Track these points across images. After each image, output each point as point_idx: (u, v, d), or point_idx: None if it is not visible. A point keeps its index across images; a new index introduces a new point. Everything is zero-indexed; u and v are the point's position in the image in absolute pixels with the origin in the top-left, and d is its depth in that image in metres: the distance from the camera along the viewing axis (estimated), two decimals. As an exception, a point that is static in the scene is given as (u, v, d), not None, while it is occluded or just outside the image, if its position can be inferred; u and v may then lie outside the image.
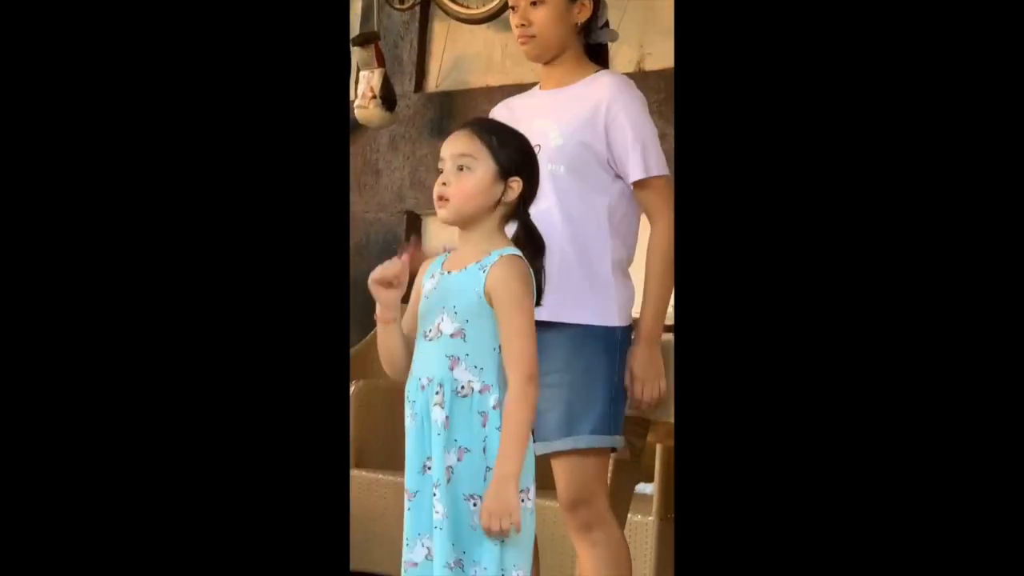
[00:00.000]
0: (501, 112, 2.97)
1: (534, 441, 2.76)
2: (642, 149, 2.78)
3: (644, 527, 3.34)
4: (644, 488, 3.40)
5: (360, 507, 4.05)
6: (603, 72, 2.87)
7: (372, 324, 5.26)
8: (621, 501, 3.15)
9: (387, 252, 5.10)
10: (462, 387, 2.36)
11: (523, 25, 2.87)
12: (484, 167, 2.40)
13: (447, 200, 2.40)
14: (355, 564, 4.15)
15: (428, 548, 2.36)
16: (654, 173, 2.78)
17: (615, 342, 2.77)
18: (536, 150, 2.59)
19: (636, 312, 2.84)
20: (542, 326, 2.49)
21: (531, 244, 2.45)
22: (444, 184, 2.41)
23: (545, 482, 2.87)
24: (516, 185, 2.41)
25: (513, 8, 2.90)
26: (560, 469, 2.78)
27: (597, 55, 2.94)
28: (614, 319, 2.78)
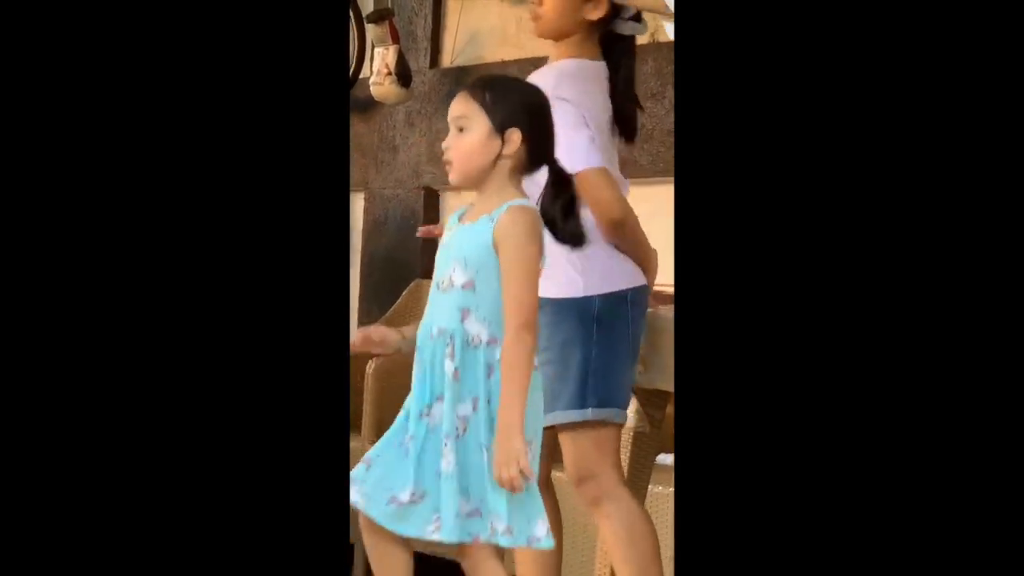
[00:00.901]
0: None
1: None
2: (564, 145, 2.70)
3: (665, 498, 3.35)
4: (665, 459, 3.41)
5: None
6: (563, 60, 2.85)
7: (390, 302, 5.27)
8: (641, 473, 3.17)
9: (405, 228, 5.12)
10: (471, 338, 2.38)
11: (535, 3, 2.90)
12: (478, 125, 2.43)
13: (451, 163, 2.45)
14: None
15: (420, 494, 2.36)
16: (577, 168, 2.68)
17: (591, 312, 2.76)
18: None
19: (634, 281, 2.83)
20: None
21: (556, 187, 2.46)
22: (447, 148, 2.45)
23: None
24: (515, 137, 2.42)
25: None
26: (564, 446, 2.80)
27: (612, 43, 2.90)
28: (590, 288, 2.76)
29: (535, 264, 2.39)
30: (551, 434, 2.76)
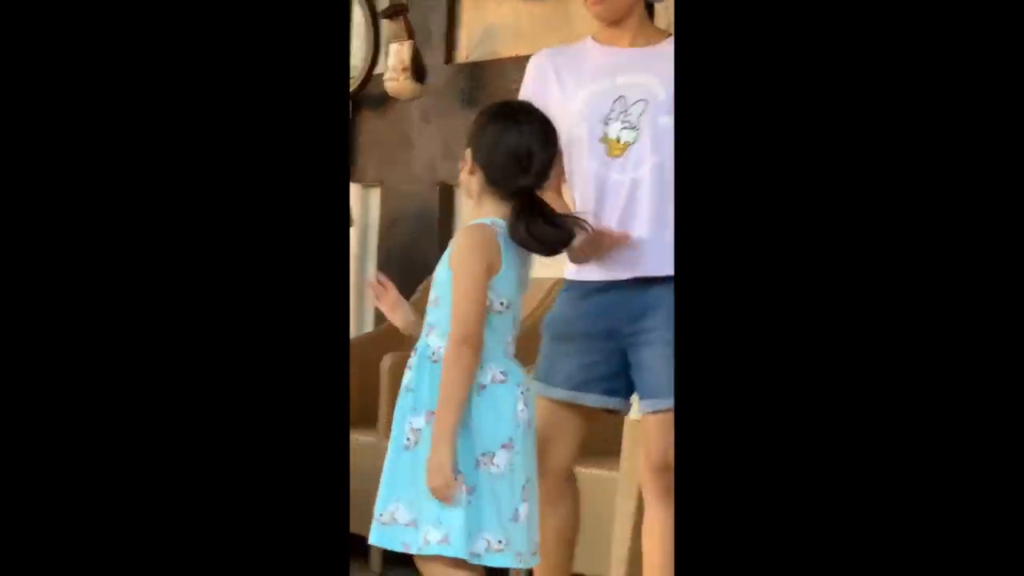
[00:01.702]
0: (542, 60, 3.02)
1: (640, 399, 2.77)
2: None
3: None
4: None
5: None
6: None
7: (407, 297, 5.28)
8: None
9: (421, 224, 5.13)
10: (431, 353, 2.45)
11: None
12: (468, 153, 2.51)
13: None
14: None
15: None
16: None
17: None
18: (642, 106, 2.72)
19: None
20: (643, 282, 2.62)
21: (526, 208, 2.46)
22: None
23: (592, 448, 2.86)
24: (467, 156, 2.50)
25: None
26: (657, 430, 2.73)
27: (651, 15, 2.94)
28: None
29: (478, 280, 2.42)
30: (574, 424, 2.78)
